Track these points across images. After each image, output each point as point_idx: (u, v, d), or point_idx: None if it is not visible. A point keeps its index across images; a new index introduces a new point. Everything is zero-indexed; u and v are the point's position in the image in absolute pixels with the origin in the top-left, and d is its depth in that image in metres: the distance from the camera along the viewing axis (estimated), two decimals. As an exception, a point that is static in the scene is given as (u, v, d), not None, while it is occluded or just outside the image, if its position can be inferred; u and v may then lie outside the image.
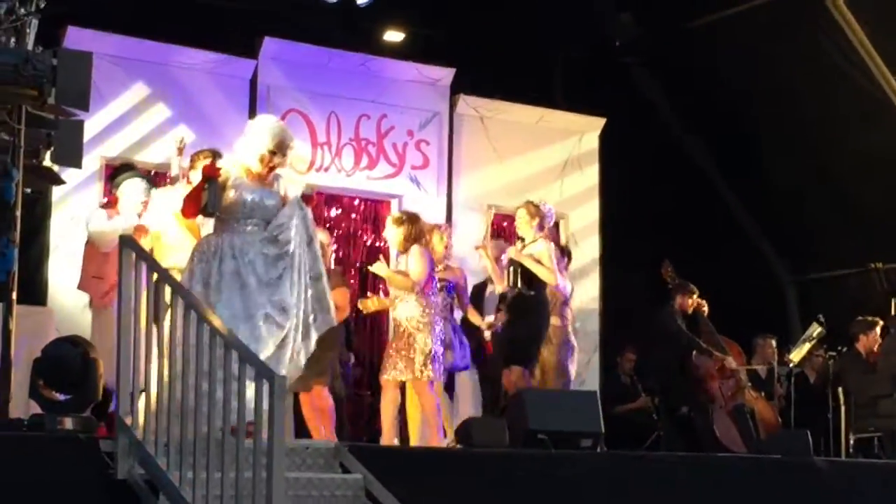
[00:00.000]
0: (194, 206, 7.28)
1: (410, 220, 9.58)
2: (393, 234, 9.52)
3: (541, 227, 10.14)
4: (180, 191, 8.72)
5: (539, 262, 9.90)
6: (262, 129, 7.32)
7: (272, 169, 7.33)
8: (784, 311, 14.60)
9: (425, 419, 9.24)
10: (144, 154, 11.10)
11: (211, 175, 7.24)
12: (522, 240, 10.15)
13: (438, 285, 9.53)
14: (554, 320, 10.09)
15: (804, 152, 13.55)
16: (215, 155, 9.44)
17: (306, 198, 7.55)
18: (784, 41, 12.88)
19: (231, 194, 7.21)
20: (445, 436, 9.45)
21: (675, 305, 11.57)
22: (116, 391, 6.71)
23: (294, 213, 7.24)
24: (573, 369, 10.39)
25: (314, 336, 7.23)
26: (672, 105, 14.41)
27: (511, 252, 10.08)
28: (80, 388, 7.41)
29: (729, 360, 11.45)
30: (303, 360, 7.19)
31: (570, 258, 10.95)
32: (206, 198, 7.19)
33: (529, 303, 9.90)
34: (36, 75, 7.29)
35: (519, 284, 9.88)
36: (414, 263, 9.27)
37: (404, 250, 9.41)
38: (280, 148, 7.28)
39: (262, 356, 6.73)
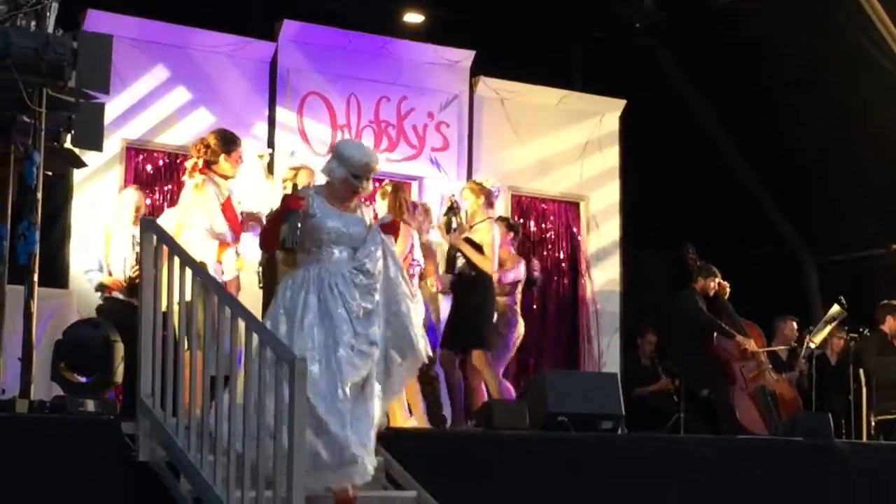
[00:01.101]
0: (273, 239, 6.90)
1: (394, 190, 9.49)
2: (378, 208, 9.48)
3: (489, 205, 10.04)
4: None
5: (479, 247, 9.78)
6: (345, 153, 6.90)
7: (356, 194, 6.93)
8: (805, 292, 14.55)
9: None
10: (165, 137, 11.11)
11: (291, 206, 6.81)
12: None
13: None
14: (500, 298, 10.07)
15: (826, 133, 13.48)
16: (297, 172, 9.42)
17: (386, 226, 6.98)
18: (805, 21, 12.81)
19: (313, 222, 6.79)
20: (411, 414, 9.30)
21: (696, 287, 11.54)
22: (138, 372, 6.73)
23: (378, 243, 6.85)
24: (514, 346, 10.35)
25: (399, 374, 6.88)
26: (692, 86, 14.35)
27: (450, 237, 9.99)
28: (101, 370, 7.45)
29: (750, 343, 11.42)
30: (384, 401, 6.87)
31: (517, 234, 10.88)
32: (286, 231, 6.77)
33: (472, 283, 9.83)
34: (56, 58, 7.31)
35: (458, 267, 9.81)
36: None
37: None
38: (365, 172, 6.88)
39: (346, 389, 6.52)
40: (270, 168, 10.34)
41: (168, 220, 8.62)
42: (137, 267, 9.01)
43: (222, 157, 8.70)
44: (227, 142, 8.76)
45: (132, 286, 8.94)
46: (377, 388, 6.71)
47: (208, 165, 8.67)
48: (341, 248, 6.80)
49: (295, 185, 8.95)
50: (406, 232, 9.12)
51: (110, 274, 9.21)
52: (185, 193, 8.82)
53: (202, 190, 8.58)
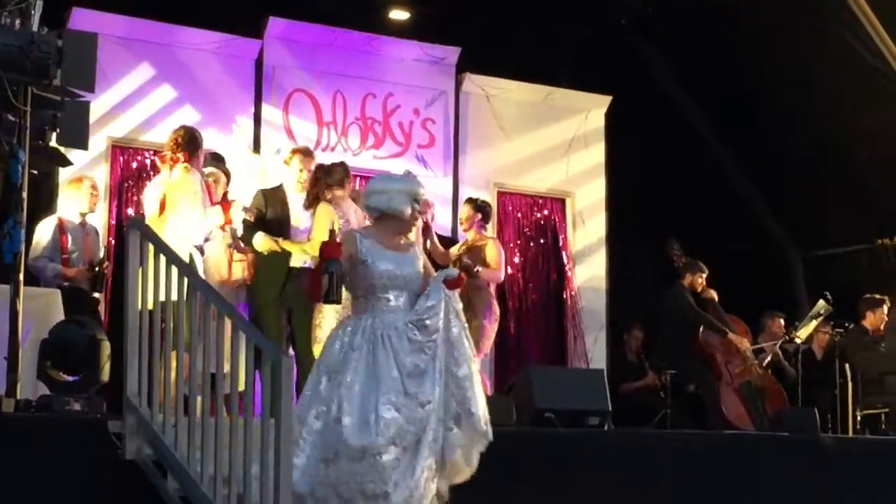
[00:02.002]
0: (318, 291, 6.15)
1: (322, 171, 9.24)
2: None
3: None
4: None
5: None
6: (394, 185, 6.31)
7: (411, 226, 6.45)
8: (791, 288, 14.59)
9: None
10: (150, 135, 11.10)
11: (331, 255, 6.11)
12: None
13: None
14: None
15: (813, 129, 13.51)
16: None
17: (451, 282, 6.21)
18: (792, 18, 12.83)
19: (361, 269, 6.17)
20: None
21: (684, 283, 11.56)
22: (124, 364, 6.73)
23: (440, 298, 6.13)
24: (492, 335, 10.34)
25: (456, 443, 6.14)
26: (678, 82, 14.38)
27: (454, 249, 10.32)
28: (88, 368, 7.43)
29: (736, 338, 11.44)
30: (442, 477, 6.17)
31: (486, 216, 10.76)
32: (326, 284, 6.06)
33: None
34: (41, 57, 7.30)
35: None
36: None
37: (309, 206, 9.14)
38: (419, 199, 6.33)
39: (385, 460, 5.91)
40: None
41: (153, 192, 8.78)
42: (106, 265, 9.12)
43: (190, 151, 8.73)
44: (194, 139, 8.79)
45: (95, 279, 9.05)
46: (428, 456, 6.03)
47: (189, 157, 8.69)
48: (396, 292, 6.17)
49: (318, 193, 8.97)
50: (324, 212, 8.97)
51: (65, 263, 9.22)
52: (174, 175, 8.72)
53: (191, 173, 8.59)
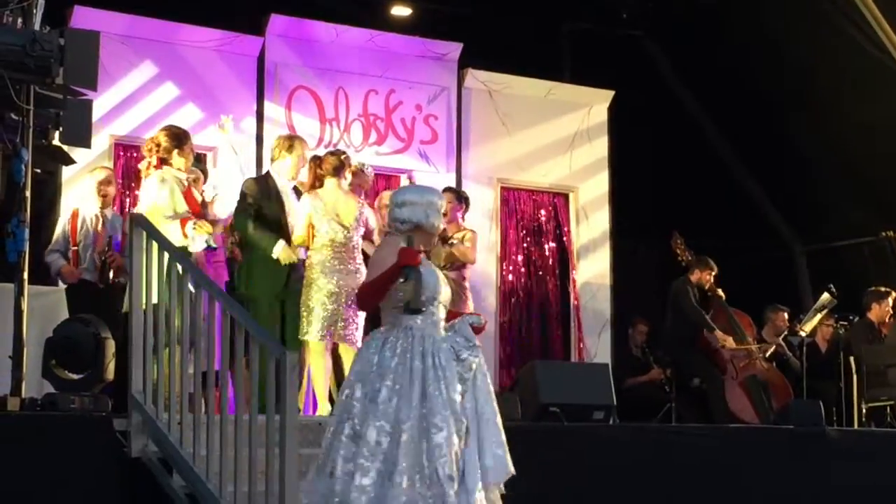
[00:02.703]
0: (379, 298, 5.99)
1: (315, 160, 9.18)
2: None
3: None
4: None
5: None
6: (423, 198, 6.11)
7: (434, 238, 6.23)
8: (795, 281, 14.59)
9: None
10: (153, 133, 11.04)
11: (410, 262, 5.83)
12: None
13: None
14: (450, 273, 10.04)
15: (814, 122, 13.50)
16: (291, 144, 9.40)
17: (477, 328, 6.05)
18: (792, 11, 12.82)
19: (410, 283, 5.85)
20: (314, 409, 8.89)
21: (691, 279, 11.56)
22: (129, 356, 6.73)
23: (473, 345, 5.96)
24: None
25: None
26: (680, 76, 14.37)
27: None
28: (92, 367, 7.44)
29: (728, 340, 11.42)
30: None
31: (467, 205, 10.50)
32: (410, 293, 5.84)
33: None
34: (44, 55, 7.30)
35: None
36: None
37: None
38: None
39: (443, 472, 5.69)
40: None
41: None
42: (110, 253, 9.05)
43: (175, 152, 8.65)
44: (177, 137, 8.71)
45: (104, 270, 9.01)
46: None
47: (162, 162, 8.63)
48: (438, 304, 6.00)
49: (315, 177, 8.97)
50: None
51: (69, 260, 9.18)
52: (148, 186, 8.68)
53: (166, 183, 8.53)
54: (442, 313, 6.03)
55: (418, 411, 5.74)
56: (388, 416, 5.75)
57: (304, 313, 8.70)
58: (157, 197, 8.44)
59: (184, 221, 8.38)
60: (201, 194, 8.94)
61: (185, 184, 8.65)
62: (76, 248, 9.17)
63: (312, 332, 8.65)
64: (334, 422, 5.89)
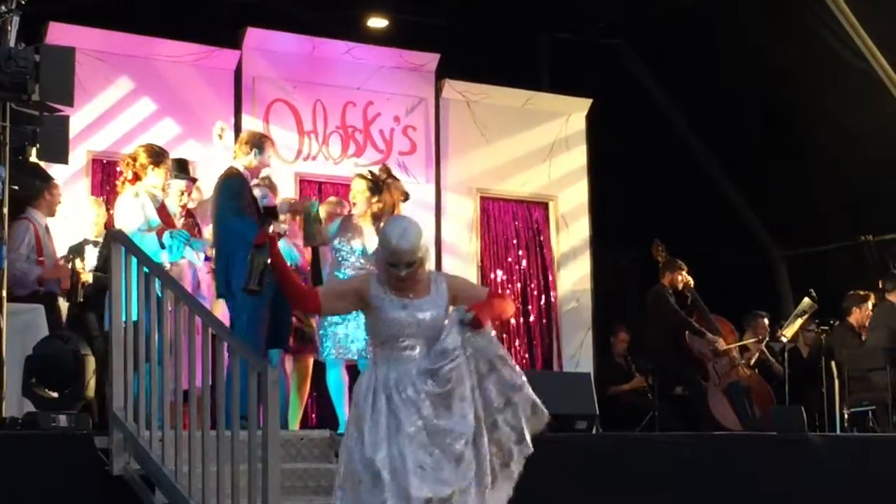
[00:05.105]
0: (288, 296, 5.86)
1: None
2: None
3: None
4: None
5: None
6: (381, 235, 5.71)
7: (399, 281, 5.64)
8: (775, 286, 14.62)
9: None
10: (131, 148, 10.97)
11: (255, 243, 5.78)
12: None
13: None
14: None
15: (794, 128, 13.53)
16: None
17: (473, 321, 5.67)
18: (772, 19, 12.85)
19: (374, 314, 5.65)
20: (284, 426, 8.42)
21: (665, 283, 11.59)
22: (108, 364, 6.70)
23: (458, 343, 5.63)
24: None
25: (504, 487, 5.87)
26: (658, 84, 14.39)
27: None
28: (73, 384, 7.41)
29: (720, 341, 11.46)
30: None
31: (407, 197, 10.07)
32: (248, 270, 5.76)
33: None
34: (19, 72, 7.28)
35: None
36: None
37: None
38: (393, 258, 5.59)
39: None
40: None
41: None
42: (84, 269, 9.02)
43: (150, 168, 8.61)
44: (155, 154, 8.69)
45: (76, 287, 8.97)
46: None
47: (138, 178, 8.60)
48: (413, 340, 5.64)
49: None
50: None
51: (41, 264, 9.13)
52: (122, 201, 8.64)
53: (139, 198, 8.50)
54: (420, 349, 5.63)
55: (394, 448, 5.47)
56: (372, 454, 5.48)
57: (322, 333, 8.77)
58: (132, 211, 8.42)
59: (160, 232, 8.36)
60: (189, 201, 8.99)
61: (160, 200, 8.63)
62: (42, 258, 9.12)
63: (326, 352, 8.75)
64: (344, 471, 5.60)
